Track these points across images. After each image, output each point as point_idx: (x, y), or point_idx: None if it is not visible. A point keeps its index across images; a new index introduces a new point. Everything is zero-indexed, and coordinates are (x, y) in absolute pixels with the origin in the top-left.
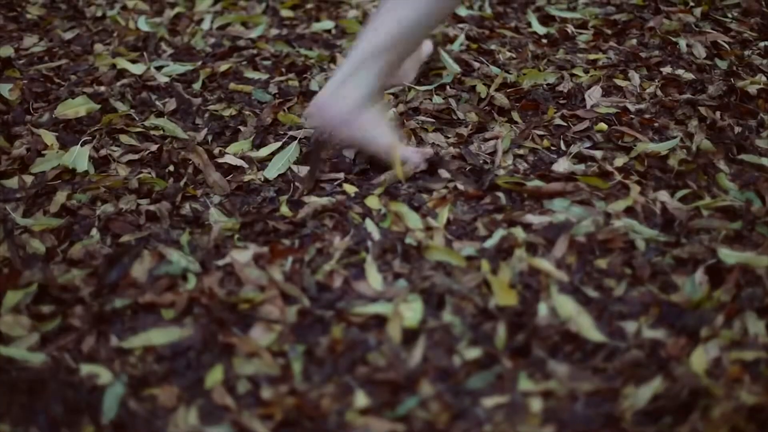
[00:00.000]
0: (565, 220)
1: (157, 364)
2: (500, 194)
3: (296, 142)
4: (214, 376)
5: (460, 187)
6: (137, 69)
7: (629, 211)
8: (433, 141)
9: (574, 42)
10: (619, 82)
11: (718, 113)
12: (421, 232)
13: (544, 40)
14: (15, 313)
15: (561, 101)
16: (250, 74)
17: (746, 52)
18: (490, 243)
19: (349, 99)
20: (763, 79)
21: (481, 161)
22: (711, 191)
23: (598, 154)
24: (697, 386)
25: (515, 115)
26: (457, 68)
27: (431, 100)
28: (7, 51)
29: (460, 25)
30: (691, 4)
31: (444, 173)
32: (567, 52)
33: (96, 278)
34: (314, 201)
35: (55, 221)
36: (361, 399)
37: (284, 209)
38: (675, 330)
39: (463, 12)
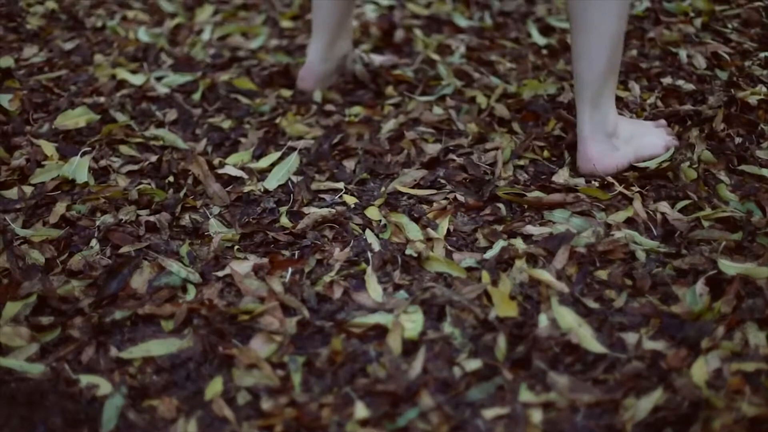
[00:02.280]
0: (566, 231)
1: (157, 375)
2: (500, 205)
3: (296, 152)
4: (214, 387)
5: (461, 197)
6: (137, 79)
7: (630, 222)
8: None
9: None
10: (619, 92)
11: (718, 124)
12: (422, 243)
13: (544, 51)
14: (14, 324)
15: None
16: (250, 85)
17: (746, 63)
18: (490, 254)
19: (603, 138)
20: (764, 89)
21: (481, 172)
22: (711, 202)
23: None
24: (697, 398)
25: (515, 126)
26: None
27: (431, 110)
28: (8, 61)
29: (461, 36)
30: (692, 14)
31: (444, 184)
32: (567, 63)
33: (95, 289)
34: (314, 212)
35: (55, 232)
36: (361, 410)
37: (284, 220)
38: (675, 341)
39: (463, 23)
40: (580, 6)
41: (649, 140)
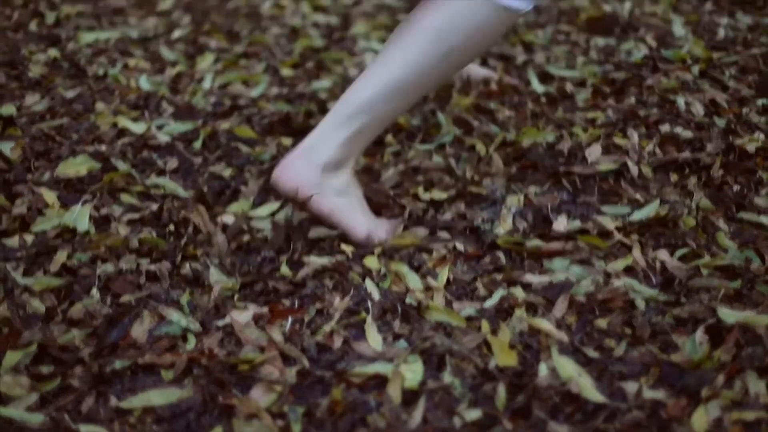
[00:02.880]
0: (565, 280)
1: (157, 425)
2: (500, 254)
3: None
4: None
5: (460, 246)
6: (138, 128)
7: (629, 271)
8: (431, 198)
9: (572, 100)
10: (618, 140)
11: (716, 171)
12: (421, 293)
13: (543, 99)
14: (14, 373)
15: (560, 160)
16: (250, 133)
17: (744, 110)
18: (490, 303)
19: (316, 162)
20: (762, 137)
21: (480, 220)
22: (710, 250)
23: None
24: None
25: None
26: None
27: (431, 159)
28: (9, 109)
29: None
30: (689, 62)
31: (443, 234)
32: (566, 111)
33: (96, 338)
34: (314, 261)
35: (56, 281)
36: None
37: (284, 269)
38: (676, 390)
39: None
40: (398, 39)
41: (357, 216)
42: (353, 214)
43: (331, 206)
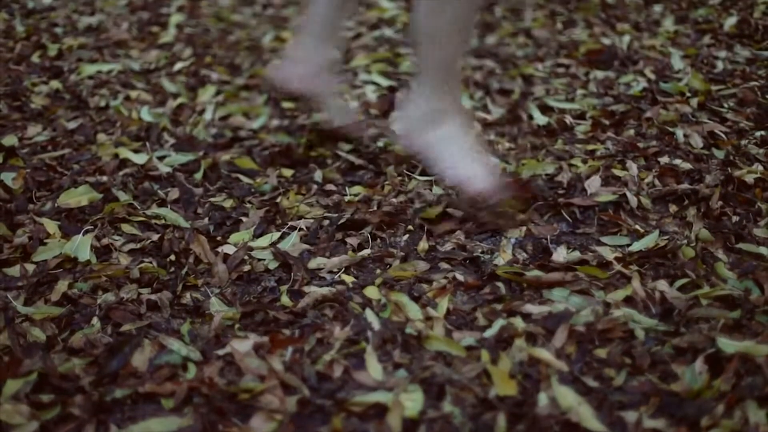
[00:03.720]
0: (565, 310)
1: None
2: (500, 284)
3: (296, 232)
4: None
5: (460, 277)
6: (139, 159)
7: (628, 301)
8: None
9: (572, 132)
10: (617, 171)
11: (715, 202)
12: (421, 322)
13: (543, 131)
14: (15, 402)
15: (560, 191)
16: (251, 164)
17: (743, 142)
18: (489, 333)
19: (416, 112)
20: (760, 168)
21: (480, 251)
22: (710, 280)
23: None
24: None
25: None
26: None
27: (431, 190)
28: (11, 140)
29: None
30: (688, 94)
31: (443, 264)
32: (565, 143)
33: (96, 367)
34: (314, 291)
35: (56, 310)
36: None
37: (284, 299)
38: (675, 420)
39: (467, 104)
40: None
41: (455, 163)
42: (450, 160)
43: (432, 149)
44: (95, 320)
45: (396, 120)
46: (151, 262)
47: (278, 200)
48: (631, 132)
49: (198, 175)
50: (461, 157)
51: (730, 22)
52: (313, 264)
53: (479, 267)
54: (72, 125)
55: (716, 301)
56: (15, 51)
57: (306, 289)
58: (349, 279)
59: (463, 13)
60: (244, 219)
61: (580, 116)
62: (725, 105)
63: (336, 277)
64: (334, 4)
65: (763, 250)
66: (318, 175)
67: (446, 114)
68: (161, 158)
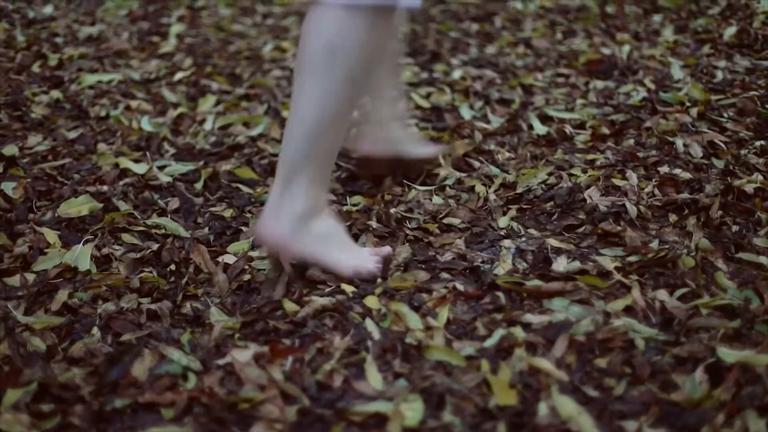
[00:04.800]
0: (565, 320)
1: None
2: (500, 294)
3: None
4: None
5: (460, 286)
6: (140, 168)
7: (628, 311)
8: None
9: (572, 142)
10: (617, 181)
11: (715, 212)
12: (421, 332)
13: (543, 141)
14: (15, 411)
15: (559, 201)
16: (251, 174)
17: (742, 152)
18: (489, 342)
19: (286, 217)
20: (760, 177)
21: (480, 260)
22: (710, 290)
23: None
24: None
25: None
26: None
27: (431, 200)
28: (12, 150)
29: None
30: (688, 104)
31: (443, 274)
32: (565, 152)
33: (96, 377)
34: (315, 300)
35: (56, 319)
36: None
37: (288, 305)
38: (676, 429)
39: (467, 114)
40: (295, 83)
41: (340, 255)
42: (335, 254)
43: (312, 251)
44: (95, 330)
45: (262, 226)
46: (151, 272)
47: None
48: (631, 142)
49: (198, 185)
50: (343, 249)
51: (730, 32)
52: (309, 272)
53: (479, 277)
54: (72, 135)
55: (716, 310)
56: (16, 61)
57: (306, 298)
58: (349, 289)
59: (344, 103)
60: (244, 229)
61: (580, 126)
62: (725, 115)
63: (335, 287)
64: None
65: (763, 259)
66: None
67: (319, 211)
68: (161, 168)
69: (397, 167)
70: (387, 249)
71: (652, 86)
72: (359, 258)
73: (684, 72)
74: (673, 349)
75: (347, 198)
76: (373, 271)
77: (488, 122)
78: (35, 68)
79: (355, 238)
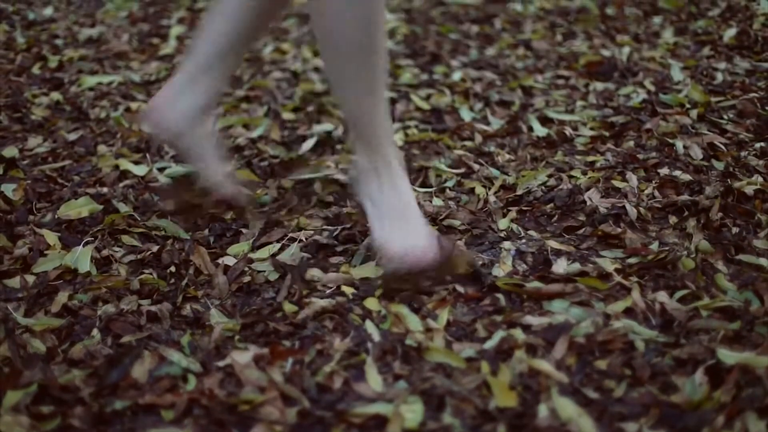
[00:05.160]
0: (565, 322)
1: None
2: (500, 295)
3: (296, 243)
4: None
5: (460, 288)
6: (140, 170)
7: (628, 312)
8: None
9: (572, 144)
10: (617, 183)
11: (715, 214)
12: (421, 334)
13: (543, 143)
14: (15, 413)
15: (559, 203)
16: (251, 176)
17: (742, 153)
18: (489, 344)
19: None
20: (760, 179)
21: (480, 262)
22: (710, 291)
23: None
24: None
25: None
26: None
27: (431, 202)
28: (12, 151)
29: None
30: (688, 106)
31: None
32: (565, 154)
33: (96, 379)
34: (314, 302)
35: (56, 321)
36: None
37: (287, 306)
38: (676, 431)
39: (467, 116)
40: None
41: (406, 234)
42: (377, 226)
43: (364, 208)
44: (95, 331)
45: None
46: (151, 274)
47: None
48: (631, 143)
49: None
50: (393, 227)
51: (730, 33)
52: (311, 275)
53: (479, 278)
54: (72, 137)
55: (716, 312)
56: (16, 62)
57: (306, 300)
58: (349, 290)
59: (358, 75)
60: (244, 230)
61: (580, 128)
62: (725, 116)
63: (335, 289)
64: (220, 48)
65: (763, 261)
66: (318, 186)
67: (378, 174)
68: (161, 170)
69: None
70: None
71: (652, 88)
72: (404, 245)
73: (684, 74)
74: (673, 351)
75: (347, 200)
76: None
77: (488, 124)
78: (35, 70)
79: (354, 242)
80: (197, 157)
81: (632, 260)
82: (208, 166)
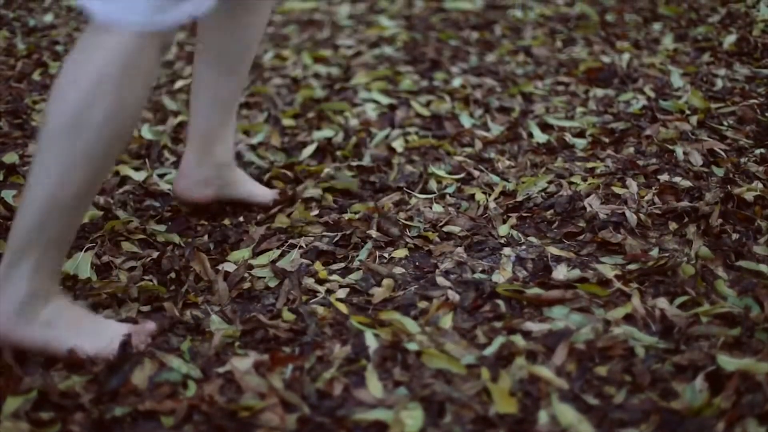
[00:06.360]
0: (565, 328)
1: None
2: (500, 302)
3: (296, 249)
4: None
5: (460, 294)
6: (140, 176)
7: (628, 318)
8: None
9: (572, 150)
10: (617, 189)
11: (715, 220)
12: (421, 340)
13: (543, 149)
14: (15, 419)
15: (559, 209)
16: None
17: (742, 160)
18: (489, 351)
19: (7, 303)
20: (760, 186)
21: (480, 269)
22: (710, 298)
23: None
24: None
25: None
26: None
27: (431, 208)
28: (12, 158)
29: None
30: (688, 112)
31: (443, 281)
32: (565, 161)
33: (96, 385)
34: (314, 309)
35: None
36: None
37: (286, 314)
38: None
39: (467, 123)
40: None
41: (76, 339)
42: (67, 337)
43: (41, 339)
44: None
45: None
46: (151, 280)
47: (279, 217)
48: (631, 150)
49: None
50: (78, 329)
51: (730, 40)
52: (311, 282)
53: (479, 285)
54: None
55: (716, 318)
56: (16, 69)
57: (306, 307)
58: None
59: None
60: (244, 236)
61: (580, 134)
62: (725, 123)
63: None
64: (213, 118)
65: (763, 267)
66: (318, 192)
67: (51, 296)
68: (162, 176)
69: (223, 203)
70: (150, 326)
71: (652, 94)
72: (97, 338)
73: (684, 80)
74: (674, 357)
75: (347, 206)
76: (106, 354)
77: (488, 130)
78: (36, 76)
79: (356, 247)
80: (243, 184)
81: (632, 266)
82: (250, 191)
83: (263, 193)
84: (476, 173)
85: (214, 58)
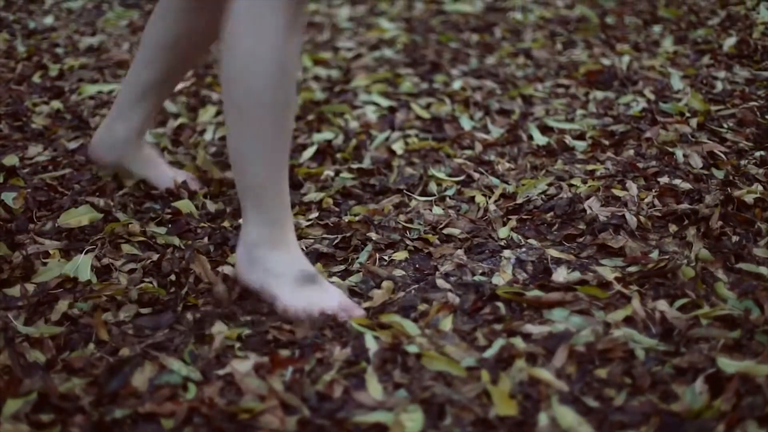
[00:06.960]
0: (565, 330)
1: None
2: (500, 304)
3: None
4: None
5: (460, 296)
6: None
7: (628, 321)
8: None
9: (572, 152)
10: (617, 192)
11: (715, 222)
12: (421, 342)
13: (543, 151)
14: (14, 421)
15: (559, 211)
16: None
17: (742, 162)
18: (489, 353)
19: (240, 245)
20: (760, 188)
21: (480, 271)
22: (710, 300)
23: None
24: None
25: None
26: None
27: (431, 210)
28: (12, 160)
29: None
30: (688, 115)
31: (443, 283)
32: (565, 163)
33: (96, 387)
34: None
35: (57, 329)
36: None
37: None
38: None
39: (467, 125)
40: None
41: (294, 294)
42: (287, 291)
43: (262, 284)
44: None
45: (238, 245)
46: (151, 282)
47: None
48: (631, 152)
49: (199, 195)
50: (295, 292)
51: (730, 42)
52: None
53: (479, 287)
54: (73, 145)
55: (716, 320)
56: (16, 71)
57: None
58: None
59: (265, 135)
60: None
61: (580, 136)
62: (725, 125)
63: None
64: (133, 96)
65: (763, 269)
66: (318, 194)
67: (274, 247)
68: None
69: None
70: (359, 311)
71: (652, 97)
72: (320, 298)
73: (684, 82)
74: (673, 360)
75: (346, 208)
76: (318, 315)
77: (488, 133)
78: (36, 78)
79: (355, 249)
80: (146, 166)
81: (632, 269)
82: (158, 173)
83: (159, 180)
84: (476, 175)
85: (173, 43)
